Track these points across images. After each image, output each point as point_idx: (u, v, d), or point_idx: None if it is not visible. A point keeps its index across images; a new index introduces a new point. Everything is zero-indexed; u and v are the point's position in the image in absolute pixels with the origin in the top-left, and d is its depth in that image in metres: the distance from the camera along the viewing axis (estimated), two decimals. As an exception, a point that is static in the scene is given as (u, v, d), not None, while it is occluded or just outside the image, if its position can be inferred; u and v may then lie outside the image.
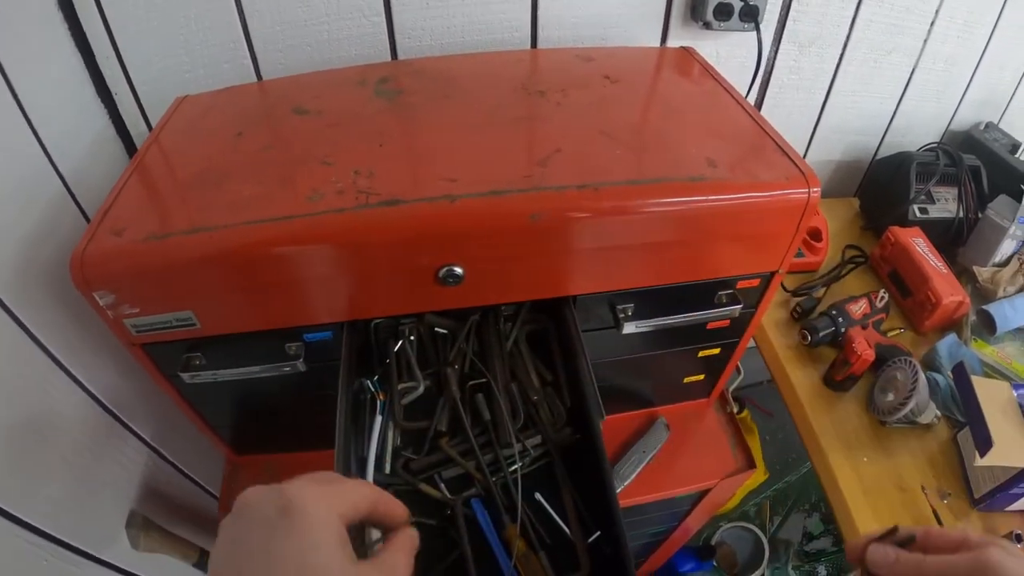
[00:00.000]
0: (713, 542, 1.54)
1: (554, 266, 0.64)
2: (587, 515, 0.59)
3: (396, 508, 0.40)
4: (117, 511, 0.84)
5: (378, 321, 0.70)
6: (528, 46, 0.96)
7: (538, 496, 0.61)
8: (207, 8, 0.82)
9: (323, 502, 0.34)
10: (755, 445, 1.42)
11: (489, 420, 0.63)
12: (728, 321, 0.77)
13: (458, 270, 0.61)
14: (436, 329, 0.70)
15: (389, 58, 0.92)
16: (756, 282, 0.74)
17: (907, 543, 0.41)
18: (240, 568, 0.32)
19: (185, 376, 0.68)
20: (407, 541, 0.39)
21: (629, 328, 0.70)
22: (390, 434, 0.64)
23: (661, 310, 0.72)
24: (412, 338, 0.69)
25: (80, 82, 0.82)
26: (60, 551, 0.70)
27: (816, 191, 0.65)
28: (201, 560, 0.92)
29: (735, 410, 0.93)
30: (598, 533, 0.58)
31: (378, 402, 0.65)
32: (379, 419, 0.63)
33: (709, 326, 0.77)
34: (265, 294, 0.63)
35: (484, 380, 0.67)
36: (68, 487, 0.75)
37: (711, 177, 0.63)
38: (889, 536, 0.41)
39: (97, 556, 0.77)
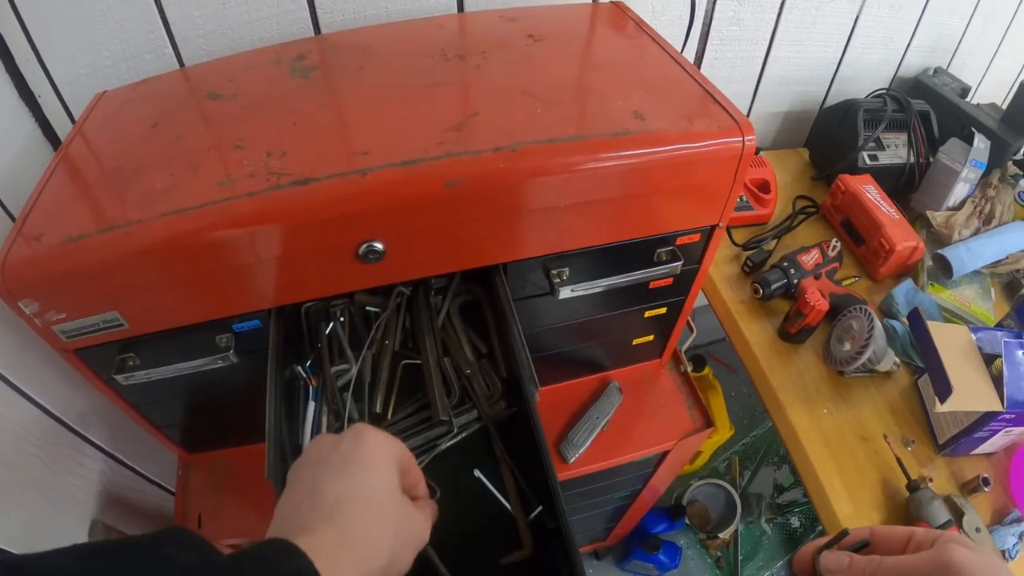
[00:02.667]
0: (684, 501, 1.55)
1: (478, 234, 0.62)
2: (528, 490, 0.58)
3: (423, 479, 0.46)
4: (79, 522, 0.83)
5: (308, 305, 0.68)
6: (455, 12, 0.93)
7: (477, 473, 0.60)
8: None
9: (386, 438, 0.42)
10: (719, 402, 1.42)
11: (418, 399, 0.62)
12: (671, 279, 0.76)
13: (378, 245, 0.59)
14: (367, 308, 0.68)
15: (312, 34, 0.89)
16: (697, 237, 0.72)
17: (860, 548, 0.39)
18: (316, 477, 0.38)
19: (120, 378, 0.66)
20: (432, 508, 0.46)
21: (565, 293, 0.69)
22: (324, 420, 0.62)
23: (598, 272, 0.70)
24: (343, 319, 0.67)
25: (1, 88, 0.79)
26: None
27: (751, 140, 0.63)
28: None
29: (689, 369, 0.92)
30: (540, 508, 0.57)
31: (311, 388, 0.63)
32: (312, 405, 0.62)
33: (652, 285, 0.76)
34: (187, 287, 0.61)
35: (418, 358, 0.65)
36: (28, 503, 0.73)
37: (637, 130, 0.61)
38: (838, 541, 0.40)
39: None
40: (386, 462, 0.40)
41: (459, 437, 0.61)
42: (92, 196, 0.64)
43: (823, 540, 0.41)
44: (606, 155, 0.60)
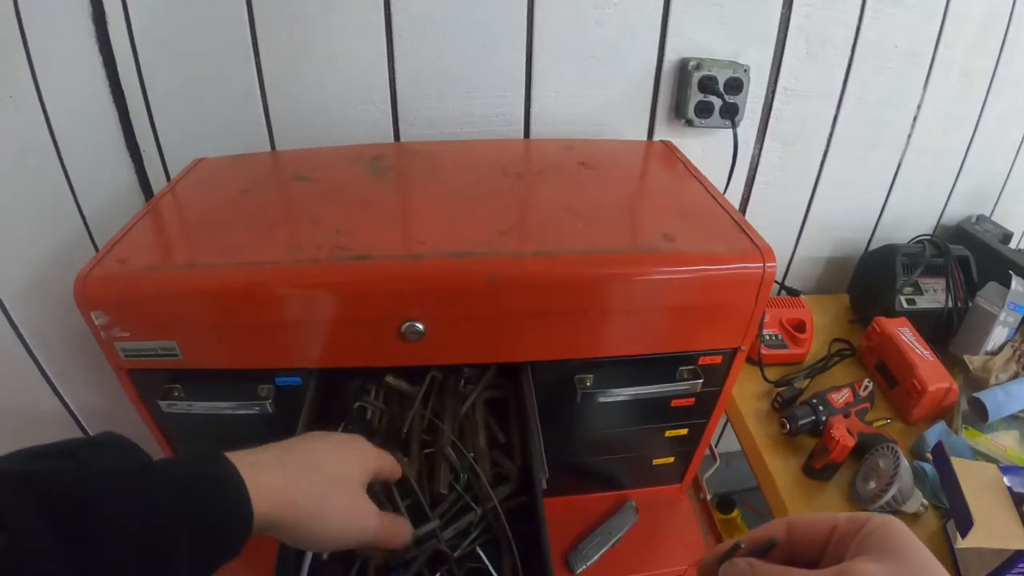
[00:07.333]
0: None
1: (510, 330, 0.67)
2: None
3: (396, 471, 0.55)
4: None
5: (352, 382, 0.73)
6: (521, 137, 1.04)
7: (479, 550, 0.61)
8: (235, 85, 0.94)
9: (376, 449, 0.52)
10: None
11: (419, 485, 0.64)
12: (693, 399, 0.78)
13: (420, 326, 0.65)
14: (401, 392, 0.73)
15: (392, 140, 1.01)
16: (719, 359, 0.75)
17: (767, 551, 0.33)
18: (297, 439, 0.48)
19: (163, 404, 0.71)
20: (402, 529, 0.53)
21: (588, 398, 0.72)
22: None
23: (621, 382, 0.73)
24: (376, 400, 0.71)
25: (113, 134, 0.94)
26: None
27: (772, 266, 0.67)
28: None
29: (708, 497, 0.91)
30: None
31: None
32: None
33: (674, 403, 0.78)
34: (243, 332, 0.67)
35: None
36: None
37: (665, 249, 0.67)
38: (736, 551, 0.34)
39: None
40: (362, 458, 0.48)
41: (474, 532, 0.63)
42: (178, 238, 0.73)
43: (725, 546, 0.34)
44: (632, 269, 0.65)
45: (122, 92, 0.92)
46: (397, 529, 0.52)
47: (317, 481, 0.44)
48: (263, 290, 0.63)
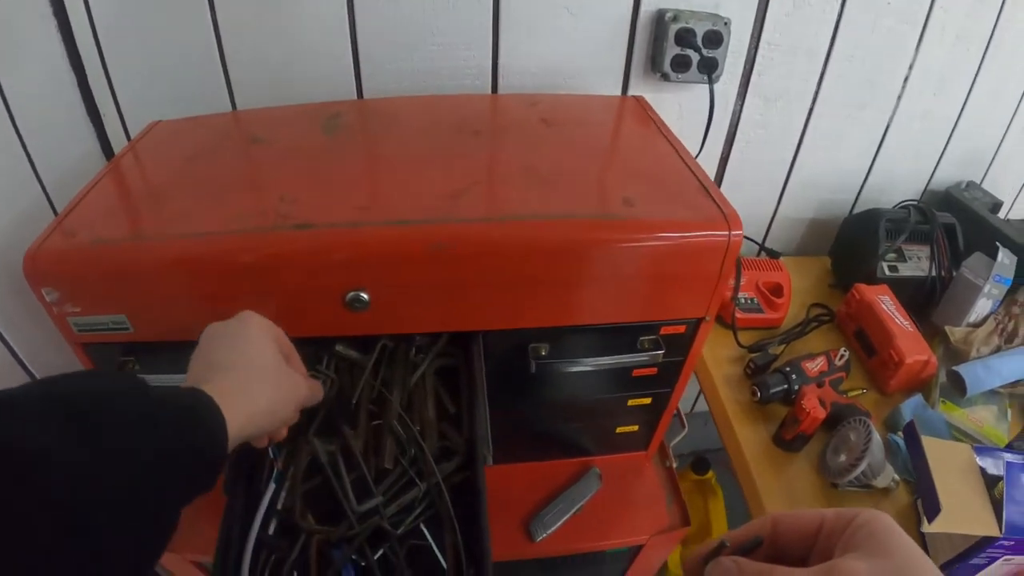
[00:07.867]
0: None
1: (460, 298, 0.64)
2: (465, 557, 0.57)
3: (300, 361, 0.57)
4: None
5: (304, 350, 0.71)
6: (489, 93, 0.99)
7: (421, 526, 0.60)
8: (192, 45, 0.89)
9: (266, 321, 0.54)
10: (718, 507, 1.35)
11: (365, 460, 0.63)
12: (655, 369, 0.75)
13: (364, 296, 0.62)
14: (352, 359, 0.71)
15: (355, 97, 0.97)
16: (682, 329, 0.72)
17: (753, 548, 0.33)
18: (212, 349, 0.50)
19: None
20: (316, 387, 0.58)
21: (543, 369, 0.69)
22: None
23: (578, 352, 0.71)
24: (328, 369, 0.70)
25: (71, 101, 0.91)
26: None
27: (738, 234, 0.63)
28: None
29: (674, 465, 0.90)
30: (473, 572, 0.56)
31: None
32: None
33: (635, 373, 0.76)
34: (189, 305, 0.65)
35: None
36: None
37: (624, 215, 0.63)
38: (720, 552, 0.34)
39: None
40: (266, 336, 0.52)
41: (421, 506, 0.62)
42: (125, 209, 0.70)
43: (711, 545, 0.34)
44: (587, 235, 0.62)
45: (79, 56, 0.87)
46: (316, 388, 0.58)
47: (263, 394, 0.48)
48: (204, 263, 0.61)
